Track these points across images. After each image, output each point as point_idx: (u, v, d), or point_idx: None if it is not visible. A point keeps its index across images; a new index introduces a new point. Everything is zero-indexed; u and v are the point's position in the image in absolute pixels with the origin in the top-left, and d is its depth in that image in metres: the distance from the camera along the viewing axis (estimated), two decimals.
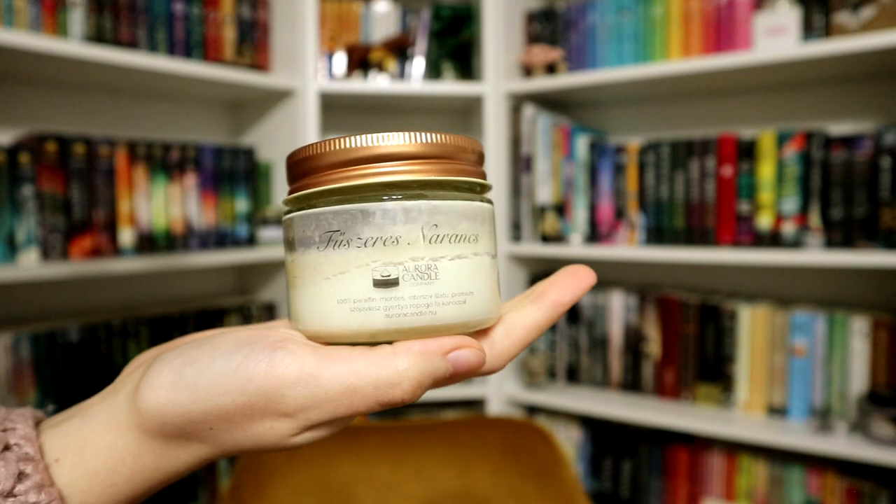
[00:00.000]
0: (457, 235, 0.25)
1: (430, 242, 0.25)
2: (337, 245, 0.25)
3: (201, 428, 0.25)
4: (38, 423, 0.26)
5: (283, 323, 0.29)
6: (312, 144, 0.26)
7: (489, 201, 0.28)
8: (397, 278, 0.24)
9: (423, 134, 0.25)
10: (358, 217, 0.24)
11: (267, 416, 0.24)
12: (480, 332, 0.27)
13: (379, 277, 0.24)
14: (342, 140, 0.25)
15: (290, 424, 0.24)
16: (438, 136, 0.26)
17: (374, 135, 0.25)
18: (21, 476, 0.23)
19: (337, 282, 0.25)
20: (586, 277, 0.28)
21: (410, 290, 0.24)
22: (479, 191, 0.28)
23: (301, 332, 0.26)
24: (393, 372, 0.24)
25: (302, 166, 0.26)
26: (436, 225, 0.25)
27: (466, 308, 0.25)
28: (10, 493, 0.23)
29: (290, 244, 0.27)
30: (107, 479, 0.25)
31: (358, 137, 0.25)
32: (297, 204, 0.27)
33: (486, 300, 0.26)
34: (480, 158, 0.28)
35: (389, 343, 0.25)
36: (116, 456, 0.25)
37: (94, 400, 0.27)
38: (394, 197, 0.25)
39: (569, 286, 0.28)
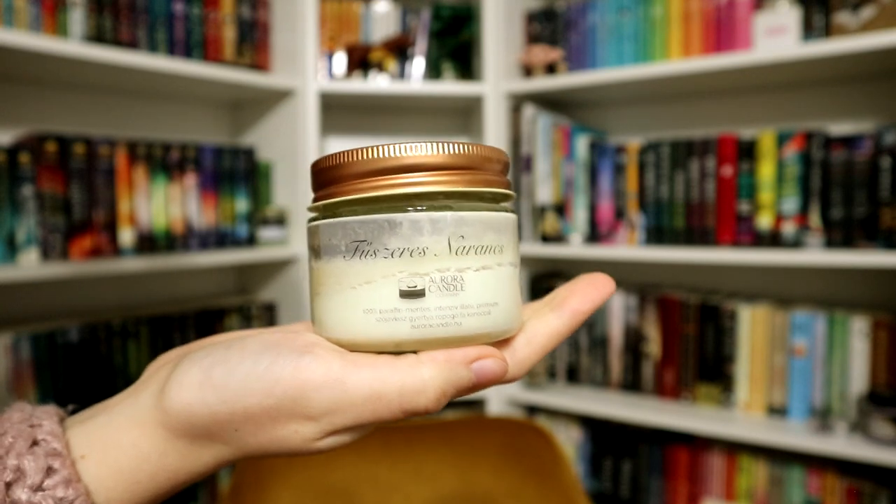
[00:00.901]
0: (482, 247, 0.25)
1: (456, 254, 0.25)
2: (363, 255, 0.25)
3: (226, 429, 0.25)
4: (61, 421, 0.26)
5: (306, 327, 0.29)
6: (339, 153, 0.26)
7: (513, 211, 0.28)
8: (423, 289, 0.24)
9: (449, 144, 0.25)
10: (385, 227, 0.25)
11: (292, 419, 0.24)
12: (502, 341, 0.27)
13: (405, 288, 0.24)
14: (369, 150, 0.25)
15: (314, 428, 0.24)
16: (465, 146, 0.26)
17: (401, 145, 0.25)
18: (49, 471, 0.23)
19: (363, 291, 0.25)
20: (606, 286, 0.29)
21: (436, 301, 0.24)
22: (503, 201, 0.28)
23: (326, 339, 0.27)
24: (418, 380, 0.24)
25: (327, 174, 0.26)
26: (462, 236, 0.25)
27: (490, 319, 0.25)
28: (39, 487, 0.23)
29: (315, 252, 0.27)
30: (131, 477, 0.25)
31: (384, 147, 0.25)
32: (323, 212, 0.27)
33: (510, 310, 0.26)
34: (505, 168, 0.28)
35: (414, 352, 0.25)
36: (141, 454, 0.25)
37: (117, 399, 0.27)
38: (420, 208, 0.25)
39: (588, 294, 0.28)
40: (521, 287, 0.26)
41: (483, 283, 0.25)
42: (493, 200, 0.27)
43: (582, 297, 0.28)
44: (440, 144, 0.25)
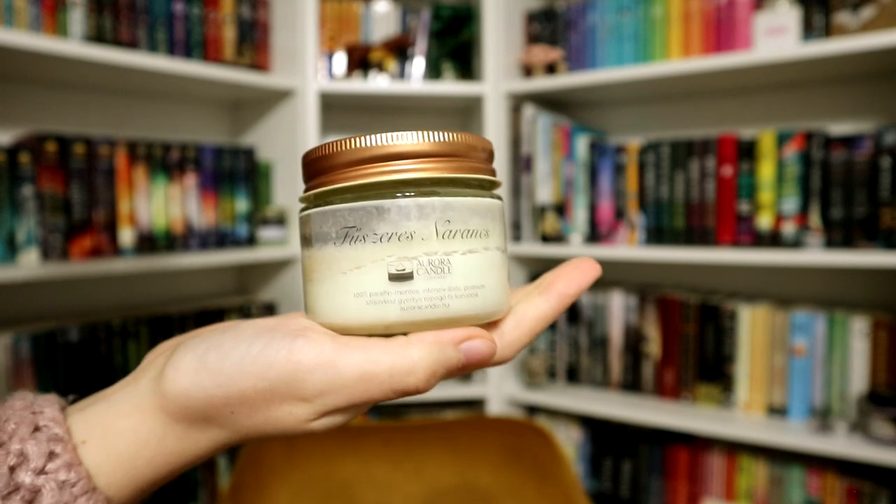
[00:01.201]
0: (468, 231, 0.26)
1: (442, 238, 0.25)
2: (353, 241, 0.26)
3: (222, 412, 0.25)
4: (62, 409, 0.27)
5: (299, 314, 0.30)
6: (328, 143, 0.26)
7: (499, 197, 0.29)
8: (412, 272, 0.25)
9: (435, 133, 0.26)
10: (373, 213, 0.25)
11: (286, 401, 0.25)
12: (491, 324, 0.28)
13: (394, 272, 0.25)
14: (357, 139, 0.26)
15: (308, 409, 0.25)
16: (450, 134, 0.26)
17: (388, 134, 0.26)
18: (51, 455, 0.24)
19: (353, 276, 0.26)
20: (591, 269, 0.29)
21: (424, 283, 0.25)
22: (489, 187, 0.28)
23: (318, 324, 0.27)
24: (408, 360, 0.25)
25: (318, 165, 0.27)
26: (448, 221, 0.26)
27: (478, 301, 0.26)
28: (41, 471, 0.24)
29: (306, 240, 0.28)
30: (130, 462, 0.25)
31: (372, 137, 0.26)
32: (314, 201, 0.27)
33: (497, 293, 0.27)
34: (490, 156, 0.29)
35: (404, 334, 0.26)
36: (140, 439, 0.26)
37: (116, 387, 0.28)
38: (407, 194, 0.25)
39: (574, 278, 0.29)
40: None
41: (470, 266, 0.26)
42: (478, 187, 0.28)
43: (568, 280, 0.29)
44: (426, 133, 0.26)
